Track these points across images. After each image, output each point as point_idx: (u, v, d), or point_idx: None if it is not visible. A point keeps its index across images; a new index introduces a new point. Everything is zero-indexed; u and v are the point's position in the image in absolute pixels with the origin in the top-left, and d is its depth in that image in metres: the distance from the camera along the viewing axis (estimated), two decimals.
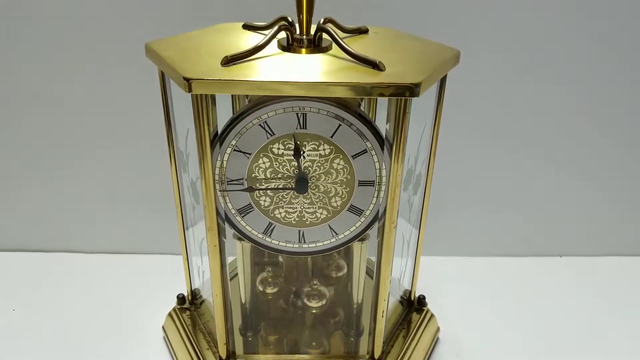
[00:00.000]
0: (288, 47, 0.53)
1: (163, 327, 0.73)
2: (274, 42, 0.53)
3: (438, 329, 0.75)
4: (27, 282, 0.86)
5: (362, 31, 0.62)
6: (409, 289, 0.74)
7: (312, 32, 0.54)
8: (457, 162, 0.87)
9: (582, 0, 0.77)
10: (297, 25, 0.55)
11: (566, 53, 0.81)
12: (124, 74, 0.78)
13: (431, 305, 0.79)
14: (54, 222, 0.91)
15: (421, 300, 0.74)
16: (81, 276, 0.87)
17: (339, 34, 0.59)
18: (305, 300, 0.70)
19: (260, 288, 0.70)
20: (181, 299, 0.73)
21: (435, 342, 0.74)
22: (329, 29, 0.52)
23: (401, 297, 0.75)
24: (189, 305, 0.73)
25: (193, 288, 0.72)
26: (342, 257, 0.74)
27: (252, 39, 0.58)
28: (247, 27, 0.62)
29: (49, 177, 0.88)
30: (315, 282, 0.71)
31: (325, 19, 0.57)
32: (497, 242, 0.95)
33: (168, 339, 0.71)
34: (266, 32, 0.60)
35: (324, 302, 0.70)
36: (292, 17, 0.56)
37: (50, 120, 0.83)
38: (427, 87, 0.48)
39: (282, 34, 0.53)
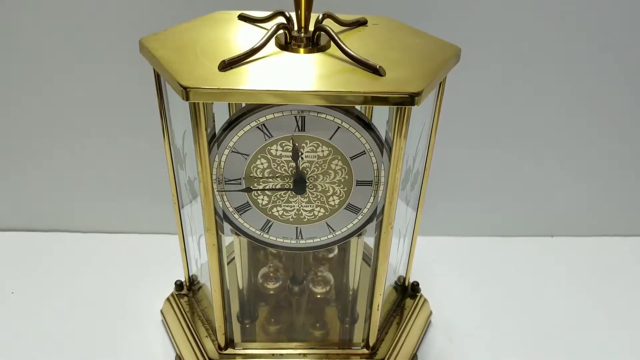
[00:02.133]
0: (286, 45, 0.52)
1: (161, 311, 0.75)
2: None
3: (430, 313, 0.77)
4: (27, 262, 0.86)
5: (361, 22, 0.61)
6: (404, 275, 0.76)
7: (311, 27, 0.53)
8: (450, 148, 0.87)
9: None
10: (294, 20, 0.53)
11: (556, 43, 0.80)
12: (123, 58, 0.77)
13: (423, 287, 0.81)
14: (52, 202, 0.91)
15: (415, 287, 0.76)
16: (79, 256, 0.88)
17: (338, 28, 0.58)
18: (310, 286, 0.72)
19: (261, 281, 0.71)
20: (179, 285, 0.74)
21: (427, 326, 0.77)
22: (328, 28, 0.51)
23: (395, 282, 0.77)
24: (187, 291, 0.74)
25: (190, 274, 0.73)
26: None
27: (248, 34, 0.57)
28: (243, 17, 0.60)
29: (47, 157, 0.87)
30: (320, 268, 0.73)
31: (323, 15, 0.56)
32: (488, 223, 0.97)
33: (167, 325, 0.73)
34: (263, 24, 0.59)
35: (328, 287, 0.72)
36: (289, 7, 0.54)
37: (50, 104, 0.82)
38: (429, 93, 0.47)
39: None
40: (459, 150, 0.89)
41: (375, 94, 0.45)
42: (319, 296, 0.73)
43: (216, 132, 0.53)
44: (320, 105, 0.50)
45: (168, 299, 0.74)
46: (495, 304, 0.82)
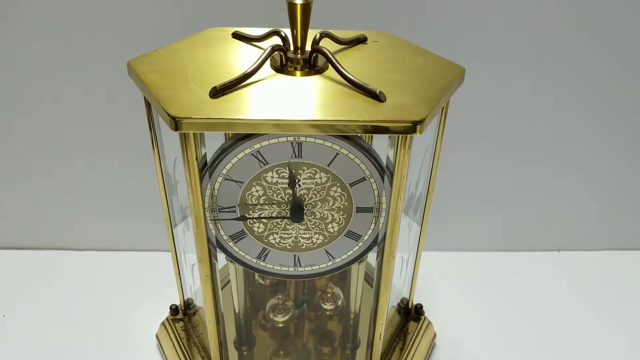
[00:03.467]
0: (282, 67, 0.50)
1: (157, 336, 0.72)
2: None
3: (435, 336, 0.75)
4: (21, 281, 0.84)
5: (361, 40, 0.58)
6: (407, 297, 0.73)
7: (308, 47, 0.51)
8: (452, 159, 0.85)
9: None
10: (290, 40, 0.51)
11: (562, 49, 0.77)
12: (115, 77, 0.74)
13: (426, 305, 0.78)
14: (47, 220, 0.89)
15: (418, 309, 0.73)
16: (74, 274, 0.86)
17: (336, 47, 0.56)
18: (321, 303, 0.70)
19: (271, 316, 0.68)
20: (174, 310, 0.71)
21: (432, 349, 0.74)
22: (325, 50, 0.48)
23: (399, 305, 0.74)
24: (182, 316, 0.72)
25: (186, 298, 0.71)
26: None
27: (242, 54, 0.54)
28: (237, 36, 0.58)
29: (44, 175, 0.85)
30: (330, 284, 0.70)
31: (321, 34, 0.53)
32: (493, 237, 0.94)
33: (162, 350, 0.70)
34: (258, 43, 0.57)
35: (339, 303, 0.69)
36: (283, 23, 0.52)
37: (46, 120, 0.80)
38: (432, 119, 0.45)
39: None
40: (462, 164, 0.87)
41: (375, 123, 0.42)
42: (328, 313, 0.71)
43: (208, 160, 0.50)
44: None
45: (163, 324, 0.72)
46: (502, 322, 0.79)
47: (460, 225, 0.93)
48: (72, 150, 0.83)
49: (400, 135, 0.45)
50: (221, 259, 0.59)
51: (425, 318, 0.74)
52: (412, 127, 0.43)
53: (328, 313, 0.70)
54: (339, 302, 0.69)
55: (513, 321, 0.80)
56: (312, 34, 0.52)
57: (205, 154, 0.50)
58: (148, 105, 0.54)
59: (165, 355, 0.69)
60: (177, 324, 0.71)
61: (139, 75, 0.48)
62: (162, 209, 0.60)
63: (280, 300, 0.67)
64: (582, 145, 0.86)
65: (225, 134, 0.52)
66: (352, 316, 0.65)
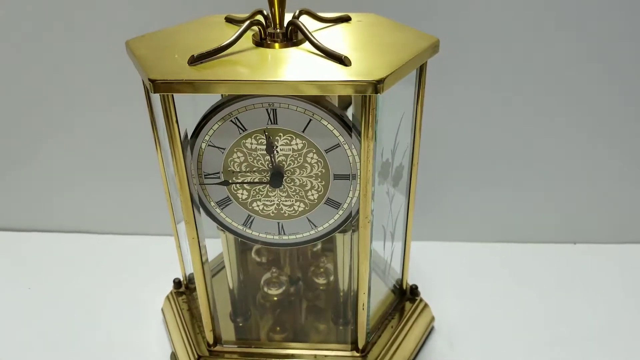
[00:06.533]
0: (261, 42, 0.53)
1: (162, 309, 0.76)
2: (250, 36, 0.54)
3: (432, 319, 0.75)
4: (41, 262, 0.91)
5: (344, 19, 0.61)
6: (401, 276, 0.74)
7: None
8: (457, 142, 0.85)
9: None
10: (271, 17, 0.54)
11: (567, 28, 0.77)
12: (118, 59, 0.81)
13: (431, 293, 0.79)
14: (61, 203, 0.96)
15: (414, 290, 0.74)
16: (89, 256, 0.92)
17: (315, 26, 0.59)
18: (313, 278, 0.72)
19: (265, 289, 0.71)
20: (177, 283, 0.75)
21: (429, 332, 0.74)
22: (299, 22, 0.51)
23: (394, 285, 0.75)
24: (185, 289, 0.75)
25: (187, 273, 0.75)
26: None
27: (231, 34, 0.58)
28: (229, 20, 0.62)
29: (54, 158, 0.92)
30: (322, 259, 0.72)
31: (300, 11, 0.57)
32: (506, 228, 0.93)
33: (166, 322, 0.74)
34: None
35: (331, 278, 0.71)
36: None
37: (67, 110, 0.87)
38: (394, 82, 0.47)
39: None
40: (471, 148, 0.87)
41: (336, 82, 0.45)
42: (322, 288, 0.73)
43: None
44: (286, 96, 0.50)
45: (167, 297, 0.76)
46: (507, 315, 0.78)
47: (471, 216, 0.92)
48: (94, 142, 0.90)
49: (364, 96, 0.47)
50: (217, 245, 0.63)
51: (421, 300, 0.74)
52: (373, 87, 0.45)
53: (322, 288, 0.72)
54: (331, 278, 0.71)
55: (518, 314, 0.78)
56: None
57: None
58: (146, 88, 0.58)
59: (168, 327, 0.73)
60: (179, 298, 0.74)
61: (132, 51, 0.53)
62: (163, 185, 0.64)
63: (275, 274, 0.70)
64: (602, 134, 0.85)
65: None
66: (341, 291, 0.66)
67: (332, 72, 0.46)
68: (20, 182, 0.95)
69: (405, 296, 0.74)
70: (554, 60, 0.80)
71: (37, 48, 0.83)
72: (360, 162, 0.51)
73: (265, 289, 0.70)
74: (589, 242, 0.92)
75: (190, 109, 0.54)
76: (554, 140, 0.86)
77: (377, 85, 0.45)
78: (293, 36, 0.53)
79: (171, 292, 0.76)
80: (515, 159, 0.88)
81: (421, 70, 0.57)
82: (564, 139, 0.86)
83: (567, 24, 0.77)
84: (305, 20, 0.58)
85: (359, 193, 0.53)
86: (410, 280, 0.75)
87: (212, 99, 0.54)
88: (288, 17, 0.54)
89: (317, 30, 0.58)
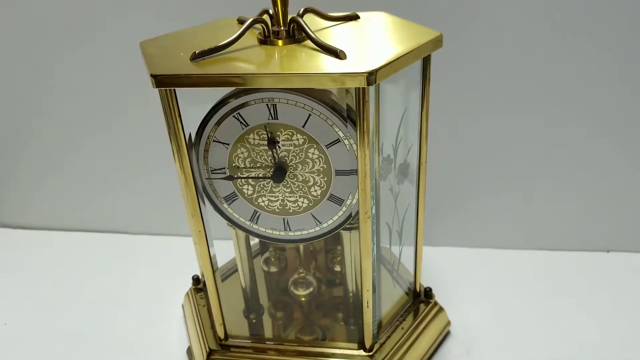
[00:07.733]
0: (265, 39, 0.55)
1: (182, 306, 0.79)
2: (256, 35, 0.55)
3: (448, 323, 0.73)
4: (70, 260, 0.95)
5: (352, 18, 0.62)
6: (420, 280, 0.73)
7: None
8: (482, 144, 0.83)
9: None
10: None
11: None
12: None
13: (450, 298, 0.77)
14: (95, 204, 1.01)
15: (428, 293, 0.72)
16: (120, 255, 0.96)
17: (323, 25, 0.60)
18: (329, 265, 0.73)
19: (293, 289, 0.71)
20: (196, 279, 0.77)
21: (444, 336, 0.72)
22: (299, 19, 0.52)
23: (408, 288, 0.74)
24: (203, 286, 0.77)
25: None
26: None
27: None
28: (241, 21, 0.64)
29: (86, 160, 0.98)
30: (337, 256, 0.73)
31: (305, 9, 0.58)
32: (537, 235, 0.90)
33: (185, 317, 0.76)
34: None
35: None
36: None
37: (91, 109, 0.92)
38: (388, 74, 0.47)
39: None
40: (499, 150, 0.85)
41: (327, 74, 0.45)
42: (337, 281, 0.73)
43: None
44: (283, 90, 0.51)
45: (187, 294, 0.78)
46: (531, 325, 0.74)
47: (490, 222, 0.90)
48: (118, 137, 0.94)
49: (357, 89, 0.47)
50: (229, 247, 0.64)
51: (435, 303, 0.72)
52: (365, 79, 0.45)
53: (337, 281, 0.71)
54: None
55: (543, 325, 0.75)
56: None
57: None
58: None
59: (186, 322, 0.75)
60: (197, 294, 0.76)
61: (143, 50, 0.56)
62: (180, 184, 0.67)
63: (302, 274, 0.70)
64: (632, 137, 0.81)
65: None
66: (350, 291, 0.66)
67: (326, 65, 0.47)
68: (54, 185, 1.01)
69: (418, 298, 0.73)
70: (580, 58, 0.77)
71: (65, 56, 0.88)
72: (357, 156, 0.51)
73: (293, 289, 0.70)
74: (622, 251, 0.87)
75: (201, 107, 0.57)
76: (587, 147, 0.83)
77: (369, 77, 0.45)
78: (296, 33, 0.54)
79: (190, 289, 0.78)
80: (547, 163, 0.85)
81: (425, 65, 0.57)
82: (597, 145, 0.82)
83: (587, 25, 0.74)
84: (313, 20, 0.59)
85: (358, 187, 0.53)
86: (431, 285, 0.74)
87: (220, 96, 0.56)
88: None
89: (324, 28, 0.59)
